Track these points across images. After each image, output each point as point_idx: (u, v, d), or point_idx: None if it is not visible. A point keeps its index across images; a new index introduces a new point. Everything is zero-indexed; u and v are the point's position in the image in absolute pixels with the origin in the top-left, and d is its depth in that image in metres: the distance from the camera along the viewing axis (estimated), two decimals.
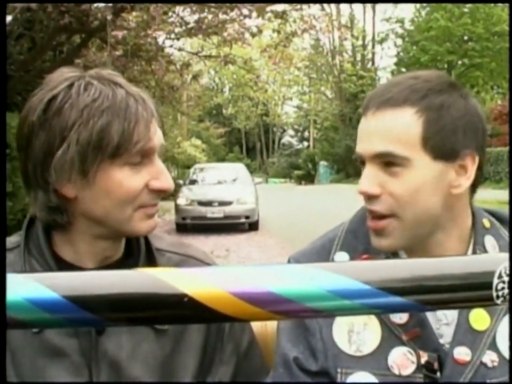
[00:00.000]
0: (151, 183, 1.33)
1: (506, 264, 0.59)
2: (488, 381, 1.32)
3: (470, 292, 0.59)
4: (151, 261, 1.43)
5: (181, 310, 0.55)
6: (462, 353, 1.33)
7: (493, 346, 1.34)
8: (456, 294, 0.59)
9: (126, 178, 1.30)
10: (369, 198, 1.34)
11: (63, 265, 1.35)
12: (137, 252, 1.44)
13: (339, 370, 1.37)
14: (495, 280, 0.58)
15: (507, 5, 31.78)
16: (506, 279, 0.58)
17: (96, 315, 0.55)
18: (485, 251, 1.38)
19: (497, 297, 0.59)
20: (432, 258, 0.61)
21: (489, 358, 1.33)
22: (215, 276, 0.56)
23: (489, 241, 1.40)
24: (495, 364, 1.33)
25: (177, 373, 1.41)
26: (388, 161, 1.31)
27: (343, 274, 0.57)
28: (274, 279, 0.56)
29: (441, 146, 1.31)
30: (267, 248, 13.32)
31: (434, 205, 1.32)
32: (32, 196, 1.34)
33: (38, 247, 1.37)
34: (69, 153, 1.26)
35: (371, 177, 1.33)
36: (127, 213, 1.32)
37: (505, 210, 1.53)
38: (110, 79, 1.31)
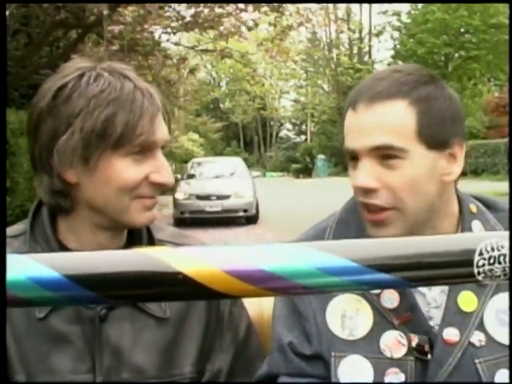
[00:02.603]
0: (152, 176, 1.36)
1: (487, 241, 0.61)
2: (476, 360, 1.35)
3: (453, 268, 0.61)
4: None
5: (176, 288, 0.58)
6: (451, 333, 1.37)
7: (481, 327, 1.37)
8: (439, 271, 0.61)
9: (126, 168, 1.33)
10: (367, 192, 1.35)
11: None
12: (139, 241, 1.46)
13: (333, 354, 1.40)
14: (476, 257, 0.61)
15: None
16: (487, 256, 0.61)
17: (95, 293, 0.58)
18: None
19: (479, 273, 0.61)
20: (417, 236, 0.64)
21: (477, 338, 1.36)
22: (209, 254, 0.59)
23: (476, 225, 1.43)
24: (483, 343, 1.36)
25: (177, 360, 1.44)
26: (385, 154, 1.33)
27: (331, 252, 0.59)
28: (265, 257, 0.58)
29: (434, 136, 1.34)
30: (265, 241, 13.30)
31: (431, 193, 1.35)
32: (39, 180, 1.38)
33: (43, 234, 1.40)
34: (72, 139, 1.29)
35: (368, 171, 1.34)
36: (124, 202, 1.35)
37: (493, 196, 1.56)
38: (120, 72, 1.35)
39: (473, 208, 1.46)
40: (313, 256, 0.59)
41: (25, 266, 0.58)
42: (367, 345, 1.39)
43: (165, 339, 1.43)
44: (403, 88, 1.34)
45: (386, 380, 1.36)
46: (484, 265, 0.61)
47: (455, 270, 0.62)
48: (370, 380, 1.37)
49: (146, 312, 1.42)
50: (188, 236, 1.60)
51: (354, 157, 1.38)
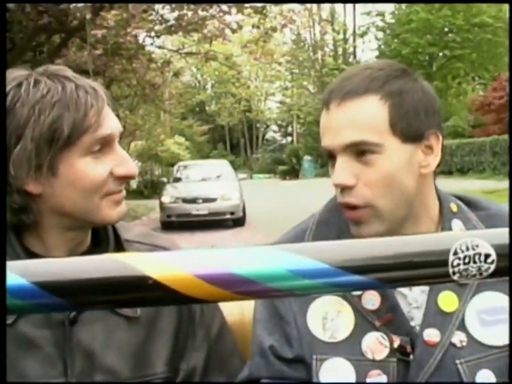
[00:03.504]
0: (115, 170, 1.34)
1: (462, 241, 0.61)
2: (457, 361, 1.35)
3: (428, 269, 0.61)
4: (120, 252, 1.44)
5: (146, 293, 0.57)
6: (431, 334, 1.36)
7: (462, 327, 1.36)
8: (414, 271, 0.61)
9: (89, 168, 1.31)
10: (344, 189, 1.35)
11: (33, 258, 1.36)
12: (106, 242, 1.45)
13: (314, 357, 1.39)
14: (451, 257, 0.60)
15: None
16: (462, 255, 0.60)
17: (64, 299, 0.57)
18: None
19: (454, 273, 0.61)
20: (390, 237, 0.63)
21: (458, 338, 1.36)
22: (179, 259, 0.58)
23: (456, 225, 1.43)
24: (464, 343, 1.35)
25: (150, 360, 1.43)
26: (361, 150, 1.33)
27: (303, 254, 0.58)
28: (236, 260, 0.58)
29: (408, 128, 1.34)
30: (253, 243, 13.31)
31: (408, 188, 1.35)
32: None
33: (8, 241, 1.38)
34: (24, 150, 1.27)
35: (344, 168, 1.34)
36: (94, 202, 1.33)
37: (475, 195, 1.56)
38: (58, 74, 1.32)
39: (454, 207, 1.46)
40: (284, 258, 0.58)
41: None
42: (349, 348, 1.38)
43: (137, 339, 1.42)
44: (373, 84, 1.34)
45: (368, 381, 1.35)
46: (459, 264, 0.60)
47: (430, 270, 0.61)
48: (352, 381, 1.36)
49: (116, 313, 1.41)
50: (155, 236, 1.58)
51: (332, 155, 1.37)
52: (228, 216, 16.78)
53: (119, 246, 1.45)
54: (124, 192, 1.39)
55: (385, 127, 1.33)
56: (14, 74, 1.32)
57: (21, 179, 1.29)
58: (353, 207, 1.35)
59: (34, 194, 1.32)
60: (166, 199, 16.89)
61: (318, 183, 33.78)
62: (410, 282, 0.63)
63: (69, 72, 1.34)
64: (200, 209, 16.63)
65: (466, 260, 0.61)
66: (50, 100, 1.27)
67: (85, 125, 1.29)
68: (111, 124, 1.34)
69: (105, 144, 1.33)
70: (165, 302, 0.60)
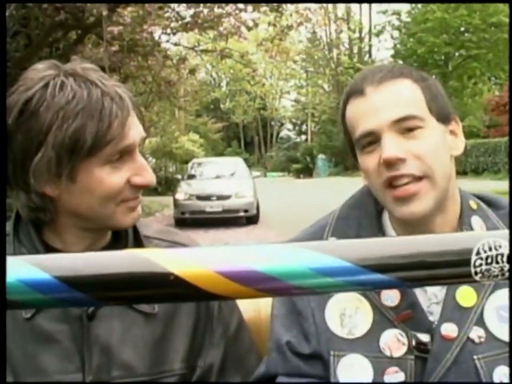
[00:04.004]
0: (133, 178, 1.35)
1: (485, 241, 0.61)
2: (475, 356, 1.34)
3: (449, 268, 0.60)
4: (139, 248, 1.44)
5: (168, 289, 0.57)
6: (449, 329, 1.36)
7: (480, 322, 1.36)
8: (435, 271, 0.60)
9: (106, 176, 1.32)
10: (395, 164, 1.35)
11: (52, 252, 1.37)
12: (125, 238, 1.46)
13: (332, 353, 1.39)
14: (473, 257, 0.60)
15: None
16: (484, 255, 0.60)
17: (86, 294, 0.57)
18: (472, 231, 1.40)
19: (476, 273, 0.60)
20: (412, 236, 0.63)
21: (476, 333, 1.35)
22: (201, 255, 0.58)
23: (476, 221, 1.43)
24: (482, 339, 1.35)
25: (167, 356, 1.43)
26: (406, 127, 1.36)
27: (325, 252, 0.58)
28: (258, 257, 0.58)
29: (439, 109, 1.40)
30: (266, 241, 13.29)
31: (448, 163, 1.40)
32: (15, 195, 1.36)
33: (27, 235, 1.39)
34: (45, 157, 1.27)
35: (394, 143, 1.35)
36: (109, 208, 1.34)
37: (494, 195, 1.55)
38: (86, 76, 1.31)
39: (473, 204, 1.46)
40: (306, 256, 0.58)
41: (16, 268, 0.57)
42: (367, 344, 1.38)
43: (154, 335, 1.42)
44: (403, 70, 1.42)
45: (386, 379, 1.35)
46: (481, 265, 0.60)
47: (452, 270, 0.61)
48: (370, 379, 1.36)
49: (134, 309, 1.41)
50: (174, 232, 1.59)
51: (370, 142, 1.38)
52: (242, 213, 16.78)
53: (138, 243, 1.45)
54: (140, 198, 1.39)
55: (424, 105, 1.38)
56: (42, 74, 1.31)
57: (40, 183, 1.30)
58: (407, 182, 1.35)
59: (51, 196, 1.33)
60: (180, 196, 16.92)
61: (331, 182, 33.80)
62: (431, 281, 0.63)
63: (96, 74, 1.33)
64: (214, 206, 16.64)
65: (489, 260, 0.60)
66: (75, 107, 1.27)
67: (108, 137, 1.29)
68: (133, 133, 1.34)
69: (125, 153, 1.33)
70: (186, 298, 0.60)
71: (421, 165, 1.35)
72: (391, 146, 1.34)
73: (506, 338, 1.35)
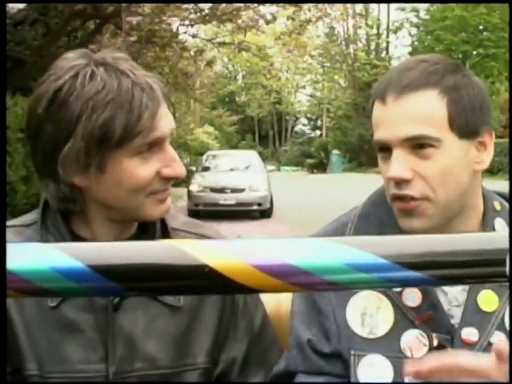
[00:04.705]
0: (163, 170, 1.34)
1: None
2: None
3: (484, 267, 0.60)
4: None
5: (202, 281, 0.57)
6: (470, 334, 1.35)
7: (501, 327, 1.35)
8: (470, 270, 0.60)
9: (136, 168, 1.31)
10: (400, 183, 1.34)
11: (80, 241, 1.37)
12: (152, 229, 1.45)
13: (352, 352, 1.38)
14: (508, 257, 0.59)
15: None
16: None
17: (119, 284, 0.57)
18: None
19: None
20: (447, 234, 0.62)
21: (497, 338, 1.34)
22: (235, 248, 0.58)
23: (499, 223, 1.42)
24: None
25: (191, 349, 1.43)
26: (419, 144, 1.33)
27: (360, 248, 0.58)
28: (293, 251, 0.57)
29: (465, 124, 1.34)
30: (279, 235, 13.34)
31: (463, 183, 1.36)
32: (45, 185, 1.36)
33: (55, 224, 1.39)
34: (74, 147, 1.27)
35: (402, 162, 1.33)
36: (138, 200, 1.34)
37: None
38: (116, 66, 1.30)
39: (497, 205, 1.45)
40: (340, 251, 0.58)
41: (48, 256, 0.57)
42: (388, 344, 1.37)
43: (178, 328, 1.42)
44: (432, 77, 1.34)
45: (407, 380, 1.34)
46: None
47: (486, 269, 0.60)
48: (390, 379, 1.35)
49: (159, 301, 1.41)
50: (201, 225, 1.59)
51: (385, 148, 1.37)
52: (255, 207, 16.80)
53: (166, 234, 1.44)
54: (170, 191, 1.38)
55: (443, 122, 1.33)
56: (72, 63, 1.30)
57: (68, 173, 1.29)
58: (408, 199, 1.34)
59: (80, 186, 1.32)
60: (194, 187, 16.95)
61: (345, 178, 33.72)
62: (465, 280, 0.63)
63: (127, 64, 1.32)
64: (228, 199, 16.66)
65: None
66: (105, 97, 1.26)
67: (138, 129, 1.28)
68: (164, 125, 1.33)
69: (155, 144, 1.32)
70: (220, 290, 0.60)
71: (424, 187, 1.33)
72: (398, 165, 1.33)
73: None
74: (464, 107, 1.34)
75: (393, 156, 1.34)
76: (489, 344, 1.34)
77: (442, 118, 1.33)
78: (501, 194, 1.49)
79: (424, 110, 1.33)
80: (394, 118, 1.34)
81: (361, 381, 1.37)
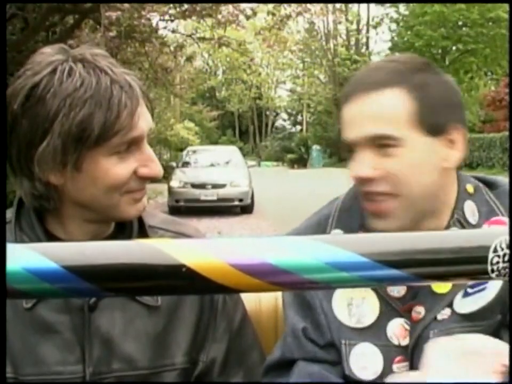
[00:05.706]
0: (140, 170, 1.32)
1: (502, 238, 0.59)
2: (431, 331, 1.36)
3: (466, 265, 0.59)
4: (144, 238, 1.42)
5: (179, 281, 0.56)
6: (416, 311, 1.39)
7: (450, 305, 1.37)
8: (452, 268, 0.59)
9: (112, 167, 1.29)
10: (364, 182, 1.36)
11: (55, 241, 1.35)
12: (129, 228, 1.44)
13: (343, 342, 1.42)
14: (491, 254, 0.59)
15: None
16: (501, 253, 0.59)
17: (95, 285, 0.55)
18: (463, 215, 1.41)
19: (492, 271, 0.59)
20: (429, 232, 0.62)
21: (443, 313, 1.37)
22: (213, 247, 0.56)
23: (468, 206, 1.42)
24: (445, 316, 1.36)
25: (169, 349, 1.41)
26: (382, 143, 1.34)
27: (340, 246, 0.57)
28: (272, 250, 0.56)
29: (431, 122, 1.35)
30: (260, 230, 13.35)
31: (430, 181, 1.36)
32: (19, 182, 1.33)
33: (29, 223, 1.37)
34: (51, 145, 1.24)
35: (364, 162, 1.35)
36: (114, 199, 1.32)
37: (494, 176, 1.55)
38: (94, 63, 1.28)
39: (470, 188, 1.45)
40: (321, 250, 0.57)
41: (21, 256, 0.55)
42: (375, 333, 1.40)
43: (156, 328, 1.40)
44: (397, 76, 1.35)
45: (395, 367, 1.38)
46: (498, 262, 0.59)
47: (468, 267, 0.59)
48: (380, 367, 1.38)
49: (137, 301, 1.39)
50: (180, 223, 1.57)
51: (352, 148, 1.38)
52: (236, 202, 16.79)
53: (143, 233, 1.43)
54: (145, 190, 1.37)
55: (406, 120, 1.33)
56: (50, 58, 1.27)
57: (44, 171, 1.27)
58: (377, 198, 1.35)
59: (56, 184, 1.30)
60: (174, 183, 16.91)
61: (325, 173, 33.81)
62: (447, 278, 0.62)
63: (106, 61, 1.29)
64: (209, 195, 16.64)
65: (506, 258, 0.59)
66: (83, 95, 1.23)
67: (116, 128, 1.26)
68: (142, 124, 1.31)
69: (133, 143, 1.30)
70: (198, 290, 0.58)
71: (394, 183, 1.34)
72: (362, 164, 1.35)
73: (465, 311, 1.36)
74: (431, 105, 1.35)
75: (356, 155, 1.36)
76: (435, 319, 1.37)
77: (406, 116, 1.33)
78: (479, 178, 1.49)
79: (387, 109, 1.34)
80: (357, 117, 1.36)
81: (353, 369, 1.40)
